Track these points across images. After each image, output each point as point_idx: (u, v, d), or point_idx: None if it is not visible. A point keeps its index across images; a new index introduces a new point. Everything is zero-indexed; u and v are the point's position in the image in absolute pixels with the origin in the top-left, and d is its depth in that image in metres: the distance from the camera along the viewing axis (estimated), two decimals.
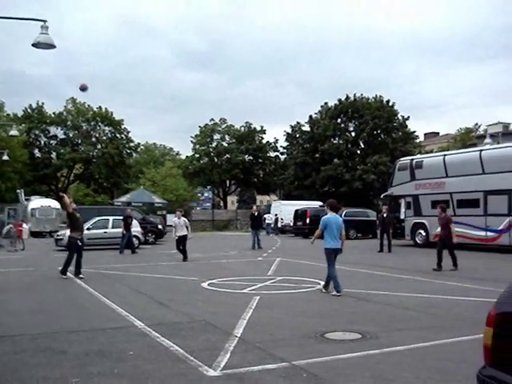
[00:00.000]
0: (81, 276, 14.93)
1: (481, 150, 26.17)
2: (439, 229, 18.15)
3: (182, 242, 20.56)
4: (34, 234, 39.10)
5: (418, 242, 27.76)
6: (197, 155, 71.91)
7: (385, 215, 25.20)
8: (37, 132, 67.74)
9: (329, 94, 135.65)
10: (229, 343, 7.40)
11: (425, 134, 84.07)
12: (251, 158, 71.96)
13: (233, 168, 68.99)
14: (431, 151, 57.27)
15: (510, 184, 23.14)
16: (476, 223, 24.45)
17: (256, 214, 27.77)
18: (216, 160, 71.33)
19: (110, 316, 9.62)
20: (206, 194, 70.36)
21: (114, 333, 8.22)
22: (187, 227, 20.52)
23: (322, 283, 12.45)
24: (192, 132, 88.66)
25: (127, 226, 25.20)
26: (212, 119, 72.64)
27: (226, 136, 72.86)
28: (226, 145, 72.02)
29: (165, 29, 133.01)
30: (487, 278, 12.90)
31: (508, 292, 3.85)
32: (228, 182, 74.64)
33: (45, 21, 14.50)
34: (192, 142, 72.21)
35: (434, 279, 14.53)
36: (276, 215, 44.58)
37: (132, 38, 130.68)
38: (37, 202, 43.96)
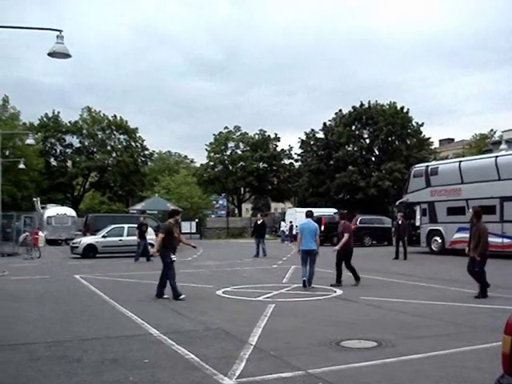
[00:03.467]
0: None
1: (496, 156, 26.01)
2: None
3: None
4: (49, 242, 39.27)
5: (434, 249, 27.58)
6: (211, 163, 72.09)
7: (400, 222, 25.08)
8: (53, 141, 68.22)
9: (341, 100, 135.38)
10: (244, 351, 7.37)
11: (440, 141, 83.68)
12: (265, 165, 72.00)
13: (247, 175, 69.05)
14: (446, 157, 57.02)
15: None
16: (492, 230, 24.19)
17: (259, 222, 27.57)
18: (230, 168, 71.45)
19: (124, 324, 9.63)
20: (220, 202, 70.26)
21: (128, 341, 8.21)
22: None
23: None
24: (206, 140, 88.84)
25: (142, 234, 25.25)
26: (226, 127, 72.89)
27: (241, 144, 72.99)
28: (241, 152, 72.14)
29: (176, 36, 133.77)
30: (503, 285, 12.77)
31: None
32: (242, 189, 74.69)
33: (60, 30, 14.60)
34: (206, 149, 72.48)
35: (449, 286, 14.41)
36: (291, 222, 44.46)
37: (145, 47, 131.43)
38: (53, 210, 44.20)
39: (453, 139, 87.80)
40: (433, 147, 62.50)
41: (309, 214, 14.76)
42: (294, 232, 43.69)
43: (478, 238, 12.28)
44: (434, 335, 8.44)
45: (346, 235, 14.61)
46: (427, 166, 29.73)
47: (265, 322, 9.44)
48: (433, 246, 27.73)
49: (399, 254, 24.48)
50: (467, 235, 14.84)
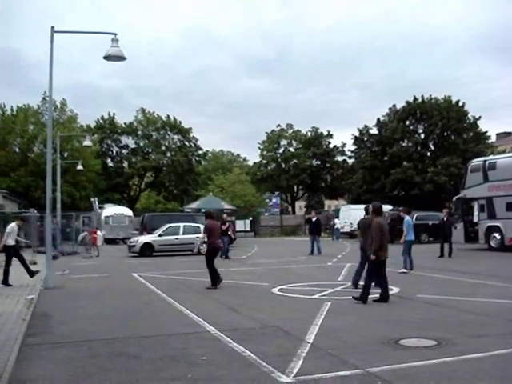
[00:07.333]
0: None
1: None
2: None
3: None
4: (107, 241, 40.08)
5: (493, 245, 26.88)
6: (264, 161, 72.24)
7: (445, 219, 24.38)
8: (109, 142, 69.55)
9: (394, 96, 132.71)
10: (301, 349, 7.36)
11: (497, 134, 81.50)
12: (319, 162, 71.71)
13: (300, 173, 68.91)
14: (504, 151, 55.55)
15: None
16: None
17: (314, 219, 27.33)
18: (283, 165, 71.46)
19: (182, 321, 9.75)
20: (274, 200, 70.33)
21: (186, 338, 8.33)
22: None
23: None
24: (258, 138, 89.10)
25: (225, 232, 25.05)
26: (279, 125, 72.86)
27: (293, 141, 72.86)
28: (293, 150, 72.02)
29: (227, 37, 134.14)
30: None
31: None
32: (296, 187, 74.53)
33: (115, 34, 14.88)
34: (259, 148, 72.66)
35: (509, 284, 14.04)
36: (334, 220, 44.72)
37: (197, 49, 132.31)
38: (110, 210, 45.06)
39: (510, 133, 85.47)
40: (490, 141, 60.88)
41: (407, 212, 18.63)
42: (348, 230, 43.48)
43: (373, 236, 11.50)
44: (494, 334, 8.25)
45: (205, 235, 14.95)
46: (484, 161, 28.99)
47: (321, 320, 9.42)
48: (491, 243, 27.04)
49: (444, 251, 23.61)
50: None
